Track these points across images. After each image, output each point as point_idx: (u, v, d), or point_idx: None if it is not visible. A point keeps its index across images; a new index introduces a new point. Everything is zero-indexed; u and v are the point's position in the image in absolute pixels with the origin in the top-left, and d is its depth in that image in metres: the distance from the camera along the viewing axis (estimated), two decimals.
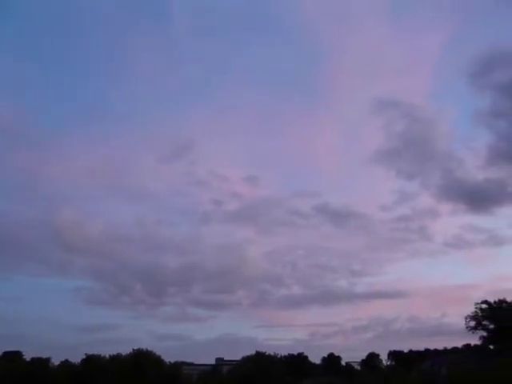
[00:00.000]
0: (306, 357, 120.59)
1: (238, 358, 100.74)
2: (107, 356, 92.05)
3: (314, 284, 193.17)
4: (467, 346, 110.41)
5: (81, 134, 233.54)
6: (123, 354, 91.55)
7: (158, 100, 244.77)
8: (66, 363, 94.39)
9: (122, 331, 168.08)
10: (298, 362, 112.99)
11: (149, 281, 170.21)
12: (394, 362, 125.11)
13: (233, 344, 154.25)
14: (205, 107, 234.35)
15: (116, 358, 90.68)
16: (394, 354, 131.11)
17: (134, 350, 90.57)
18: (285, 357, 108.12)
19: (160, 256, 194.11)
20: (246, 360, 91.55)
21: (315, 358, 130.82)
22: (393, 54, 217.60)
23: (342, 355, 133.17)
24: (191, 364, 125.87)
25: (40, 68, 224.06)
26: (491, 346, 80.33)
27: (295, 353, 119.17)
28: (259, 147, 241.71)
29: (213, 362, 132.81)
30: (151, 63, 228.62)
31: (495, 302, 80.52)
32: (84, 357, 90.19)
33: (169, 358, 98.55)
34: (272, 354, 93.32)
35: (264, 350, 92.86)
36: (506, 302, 79.95)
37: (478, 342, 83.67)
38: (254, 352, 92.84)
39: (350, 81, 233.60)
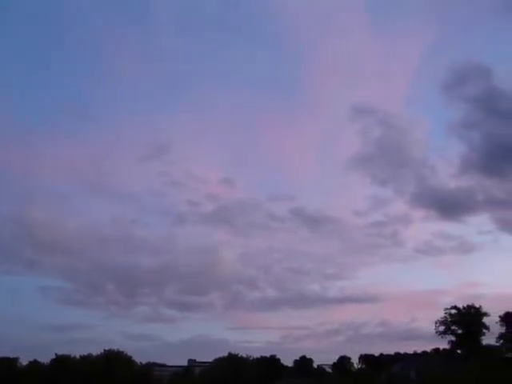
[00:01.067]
0: (278, 359, 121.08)
1: (211, 359, 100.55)
2: (77, 356, 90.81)
3: (287, 287, 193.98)
4: (436, 350, 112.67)
5: (58, 132, 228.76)
6: (94, 354, 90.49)
7: (137, 100, 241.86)
8: (34, 363, 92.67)
9: (94, 331, 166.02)
10: (270, 364, 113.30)
11: (122, 281, 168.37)
12: (364, 366, 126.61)
13: (205, 346, 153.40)
14: (183, 108, 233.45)
15: (86, 358, 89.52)
16: (365, 358, 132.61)
17: (105, 350, 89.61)
18: (257, 359, 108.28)
19: (134, 256, 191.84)
20: (219, 362, 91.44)
21: (287, 361, 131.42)
22: (372, 61, 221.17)
23: (313, 358, 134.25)
24: (163, 365, 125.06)
25: (19, 66, 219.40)
26: (459, 351, 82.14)
27: (268, 355, 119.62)
28: (237, 149, 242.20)
29: (185, 363, 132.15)
30: (131, 63, 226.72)
31: (464, 308, 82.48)
32: (54, 357, 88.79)
33: (141, 358, 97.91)
34: (244, 356, 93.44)
35: (236, 352, 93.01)
36: (475, 308, 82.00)
37: (447, 346, 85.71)
38: (226, 354, 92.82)
39: (328, 86, 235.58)
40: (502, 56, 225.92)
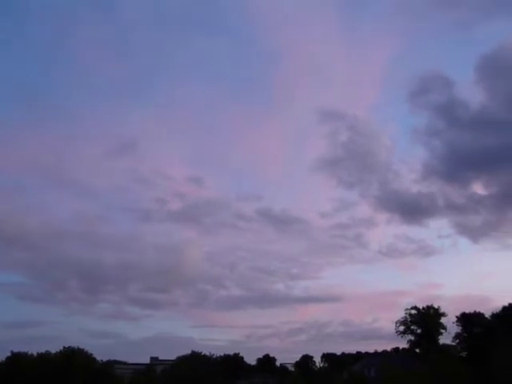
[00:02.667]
0: (242, 358, 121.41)
1: (174, 357, 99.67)
2: (35, 354, 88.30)
3: (252, 286, 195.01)
4: (396, 349, 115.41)
5: (23, 124, 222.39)
6: (53, 351, 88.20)
7: (104, 94, 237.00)
8: None
9: (54, 328, 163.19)
10: (233, 362, 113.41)
11: (84, 277, 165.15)
12: (327, 364, 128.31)
13: (169, 343, 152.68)
14: (152, 104, 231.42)
15: (44, 356, 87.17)
16: (327, 356, 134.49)
17: (64, 347, 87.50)
18: (220, 357, 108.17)
19: (98, 252, 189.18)
20: (181, 360, 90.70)
21: (251, 359, 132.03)
22: (342, 65, 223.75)
23: (277, 357, 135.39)
24: (124, 363, 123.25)
25: None
26: (417, 350, 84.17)
27: (231, 353, 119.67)
28: (205, 148, 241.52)
29: (147, 361, 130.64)
30: (99, 56, 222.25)
31: (423, 308, 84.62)
32: (9, 354, 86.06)
33: (102, 356, 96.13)
34: (208, 354, 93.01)
35: (200, 350, 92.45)
36: (433, 308, 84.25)
37: (406, 346, 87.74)
38: (189, 352, 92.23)
39: (298, 88, 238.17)
40: (464, 67, 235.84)
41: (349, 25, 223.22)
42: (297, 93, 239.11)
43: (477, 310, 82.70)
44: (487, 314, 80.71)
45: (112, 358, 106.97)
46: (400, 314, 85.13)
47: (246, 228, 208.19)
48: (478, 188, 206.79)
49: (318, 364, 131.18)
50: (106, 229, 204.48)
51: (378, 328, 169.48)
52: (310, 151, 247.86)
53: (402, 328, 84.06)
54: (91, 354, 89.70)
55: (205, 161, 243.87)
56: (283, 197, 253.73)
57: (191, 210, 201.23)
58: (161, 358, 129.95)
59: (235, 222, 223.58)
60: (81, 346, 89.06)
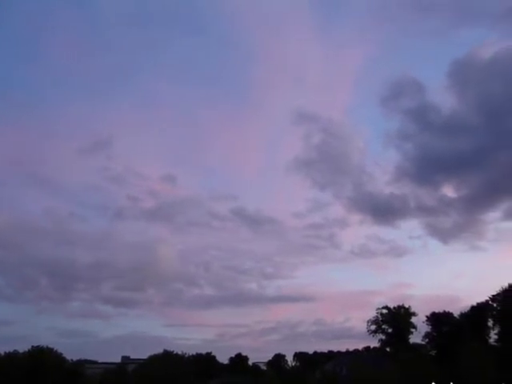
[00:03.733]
0: (214, 357, 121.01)
1: (146, 356, 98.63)
2: (2, 353, 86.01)
3: (226, 285, 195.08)
4: (367, 348, 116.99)
5: None
6: (21, 351, 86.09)
7: (78, 91, 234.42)
8: None
9: (23, 327, 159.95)
10: (205, 361, 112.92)
11: (56, 275, 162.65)
12: (299, 363, 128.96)
13: (141, 342, 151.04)
14: (126, 102, 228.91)
15: (12, 356, 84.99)
16: (299, 356, 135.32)
17: (32, 346, 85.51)
18: (193, 356, 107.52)
19: (70, 250, 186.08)
20: (153, 359, 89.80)
21: (223, 358, 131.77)
22: (317, 67, 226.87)
23: (249, 356, 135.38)
24: (95, 362, 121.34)
25: None
26: (388, 349, 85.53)
27: (203, 352, 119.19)
28: (180, 147, 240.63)
29: (119, 360, 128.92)
30: (73, 51, 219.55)
31: (394, 308, 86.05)
32: None
33: (72, 355, 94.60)
34: (180, 353, 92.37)
35: (172, 349, 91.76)
36: (404, 308, 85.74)
37: (377, 345, 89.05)
38: (162, 351, 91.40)
39: (275, 89, 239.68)
40: (436, 73, 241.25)
41: (325, 28, 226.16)
42: (272, 94, 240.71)
43: (446, 310, 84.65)
44: (456, 314, 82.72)
45: (83, 358, 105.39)
46: (371, 314, 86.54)
47: (220, 227, 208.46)
48: (448, 191, 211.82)
49: (290, 363, 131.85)
50: (78, 227, 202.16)
51: (349, 327, 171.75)
52: (284, 152, 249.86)
53: (373, 327, 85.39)
54: (61, 354, 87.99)
55: (179, 159, 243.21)
56: (257, 197, 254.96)
57: (165, 208, 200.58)
58: (132, 357, 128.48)
59: (209, 221, 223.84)
60: (50, 346, 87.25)
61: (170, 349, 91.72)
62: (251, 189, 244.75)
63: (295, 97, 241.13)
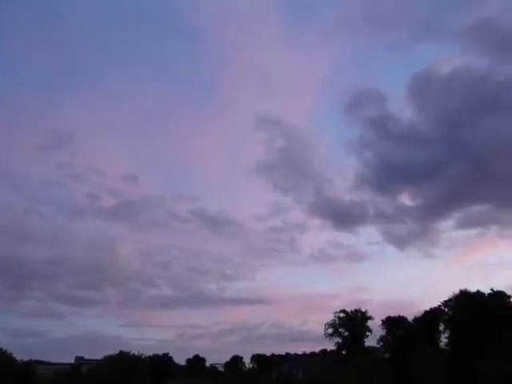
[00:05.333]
0: (171, 358, 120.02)
1: (101, 357, 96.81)
2: None
3: (185, 286, 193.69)
4: (324, 351, 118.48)
5: None
6: None
7: (39, 84, 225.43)
8: None
9: None
10: (162, 362, 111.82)
11: (8, 273, 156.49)
12: (256, 365, 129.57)
13: (96, 343, 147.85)
14: (89, 98, 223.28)
15: None
16: (256, 358, 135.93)
17: None
18: (149, 357, 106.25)
19: (25, 247, 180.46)
20: (108, 359, 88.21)
21: (180, 360, 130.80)
22: (282, 72, 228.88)
23: (207, 357, 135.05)
24: (47, 363, 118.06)
25: None
26: (344, 352, 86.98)
27: (161, 353, 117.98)
28: (142, 145, 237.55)
29: (72, 360, 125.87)
30: (35, 43, 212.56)
31: (351, 312, 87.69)
32: None
33: (24, 356, 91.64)
34: (136, 353, 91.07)
35: (129, 350, 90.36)
36: (361, 312, 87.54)
37: (334, 348, 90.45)
38: (117, 351, 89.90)
39: (239, 91, 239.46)
40: (397, 85, 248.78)
41: (293, 34, 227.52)
42: (238, 96, 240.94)
43: (401, 314, 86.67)
44: (410, 318, 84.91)
45: (34, 358, 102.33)
46: (329, 317, 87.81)
47: (181, 228, 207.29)
48: (405, 199, 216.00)
49: (247, 365, 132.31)
50: (34, 223, 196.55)
51: (307, 330, 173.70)
52: (247, 155, 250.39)
53: (330, 330, 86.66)
54: (10, 354, 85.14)
55: (141, 158, 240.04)
56: (219, 198, 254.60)
57: (125, 207, 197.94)
58: (87, 357, 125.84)
59: (170, 222, 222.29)
60: (0, 346, 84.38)
61: (126, 349, 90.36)
62: (213, 190, 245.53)
63: (260, 100, 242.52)
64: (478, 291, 76.09)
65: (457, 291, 78.06)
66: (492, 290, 74.65)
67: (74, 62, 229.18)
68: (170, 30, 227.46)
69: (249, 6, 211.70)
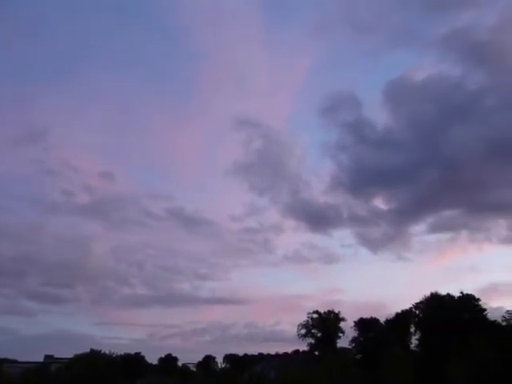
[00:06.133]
0: (143, 357, 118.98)
1: (71, 355, 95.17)
2: None
3: (158, 285, 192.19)
4: (296, 351, 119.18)
5: None
6: None
7: (13, 78, 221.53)
8: None
9: None
10: (134, 361, 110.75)
11: None
12: (229, 365, 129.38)
13: (67, 341, 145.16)
14: (65, 92, 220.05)
15: None
16: (229, 357, 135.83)
17: None
18: (121, 356, 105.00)
19: None
20: (78, 358, 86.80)
21: (152, 359, 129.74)
22: (262, 73, 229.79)
23: (179, 356, 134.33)
24: (15, 361, 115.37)
25: None
26: (316, 352, 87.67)
27: (133, 352, 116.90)
28: (119, 142, 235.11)
29: (41, 359, 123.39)
30: (11, 36, 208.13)
31: (325, 313, 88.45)
32: None
33: None
34: (108, 352, 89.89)
35: (100, 349, 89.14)
36: (334, 313, 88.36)
37: (306, 349, 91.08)
38: (88, 350, 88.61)
39: (218, 91, 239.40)
40: (373, 90, 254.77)
41: (273, 36, 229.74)
42: (217, 96, 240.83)
43: (373, 316, 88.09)
44: (382, 320, 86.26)
45: (1, 356, 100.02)
46: (302, 318, 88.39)
47: (156, 226, 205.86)
48: (379, 203, 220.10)
49: (219, 364, 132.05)
50: (4, 218, 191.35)
51: (280, 330, 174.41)
52: (225, 155, 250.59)
53: (303, 331, 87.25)
54: None
55: (117, 155, 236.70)
56: (195, 198, 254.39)
57: (100, 204, 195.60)
58: (57, 356, 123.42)
59: (145, 220, 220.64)
60: None
61: (97, 348, 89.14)
62: (190, 190, 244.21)
63: (238, 101, 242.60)
64: (448, 294, 77.93)
65: (428, 294, 79.79)
66: (462, 293, 76.61)
67: (50, 55, 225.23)
68: (149, 27, 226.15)
69: (229, 7, 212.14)
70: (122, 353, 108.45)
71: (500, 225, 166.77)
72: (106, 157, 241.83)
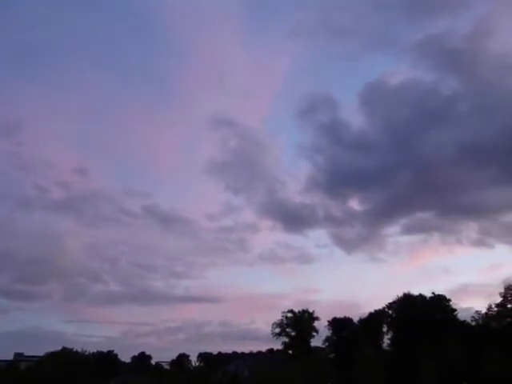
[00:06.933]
0: (116, 355, 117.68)
1: (42, 353, 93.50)
2: None
3: (132, 282, 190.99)
4: (270, 350, 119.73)
5: None
6: None
7: None
8: None
9: None
10: (107, 360, 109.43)
11: None
12: (203, 364, 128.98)
13: (38, 338, 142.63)
14: (40, 87, 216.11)
15: None
16: (203, 356, 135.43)
17: None
18: (93, 354, 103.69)
19: None
20: (50, 356, 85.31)
21: (126, 357, 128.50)
22: (240, 74, 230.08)
23: (153, 355, 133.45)
24: None
25: None
26: (290, 351, 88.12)
27: (106, 350, 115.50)
28: (95, 138, 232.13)
29: (11, 357, 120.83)
30: None
31: (299, 312, 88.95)
32: None
33: None
34: (80, 350, 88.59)
35: (72, 346, 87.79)
36: (308, 312, 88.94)
37: (280, 347, 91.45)
38: (60, 348, 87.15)
39: (197, 90, 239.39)
40: (349, 93, 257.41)
41: (253, 37, 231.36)
42: (195, 94, 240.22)
43: (347, 316, 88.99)
44: (355, 319, 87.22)
45: None
46: (277, 317, 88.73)
47: (131, 223, 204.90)
48: (354, 204, 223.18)
49: (193, 363, 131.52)
50: None
51: (255, 329, 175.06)
52: (201, 154, 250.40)
53: (277, 330, 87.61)
54: None
55: (93, 151, 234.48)
56: (172, 196, 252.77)
57: (74, 200, 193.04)
58: (27, 353, 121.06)
59: (120, 217, 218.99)
60: None
61: (69, 346, 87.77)
62: (166, 187, 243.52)
63: (217, 100, 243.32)
64: (420, 295, 79.38)
65: (401, 294, 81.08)
66: (433, 293, 78.14)
67: (22, 48, 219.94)
68: (130, 22, 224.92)
69: (211, 7, 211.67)
70: (95, 351, 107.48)
71: (471, 228, 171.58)
72: (81, 152, 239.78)
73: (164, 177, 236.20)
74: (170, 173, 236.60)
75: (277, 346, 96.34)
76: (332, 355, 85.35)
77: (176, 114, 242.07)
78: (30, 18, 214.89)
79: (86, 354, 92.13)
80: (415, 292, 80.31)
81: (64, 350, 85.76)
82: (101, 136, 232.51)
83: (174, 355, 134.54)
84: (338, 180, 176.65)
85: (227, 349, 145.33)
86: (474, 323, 73.26)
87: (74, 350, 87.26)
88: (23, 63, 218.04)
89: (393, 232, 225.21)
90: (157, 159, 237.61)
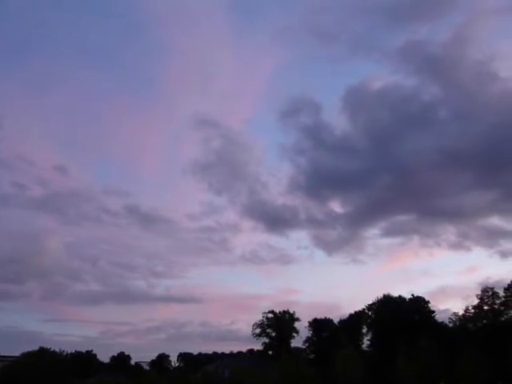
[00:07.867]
0: (95, 355, 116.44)
1: (18, 353, 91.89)
2: None
3: (112, 282, 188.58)
4: (251, 350, 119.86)
5: None
6: None
7: None
8: None
9: None
10: (85, 360, 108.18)
11: None
12: (183, 364, 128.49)
13: (14, 338, 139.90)
14: (21, 82, 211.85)
15: None
16: (183, 356, 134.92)
17: None
18: (71, 354, 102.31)
19: None
20: (25, 356, 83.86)
21: (105, 357, 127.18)
22: (225, 74, 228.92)
23: (132, 355, 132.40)
24: None
25: None
26: (270, 352, 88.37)
27: (84, 350, 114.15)
28: (76, 135, 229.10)
29: None
30: None
31: (280, 313, 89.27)
32: None
33: None
34: (58, 350, 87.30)
35: (50, 346, 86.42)
36: (289, 313, 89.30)
37: (261, 348, 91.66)
38: (37, 347, 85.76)
39: (180, 89, 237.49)
40: (331, 96, 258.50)
41: (237, 38, 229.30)
42: (178, 94, 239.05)
43: (327, 317, 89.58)
44: (336, 320, 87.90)
45: None
46: (257, 317, 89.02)
47: (112, 222, 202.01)
48: (335, 206, 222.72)
49: (173, 363, 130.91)
50: None
51: (235, 330, 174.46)
52: (183, 154, 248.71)
53: (258, 330, 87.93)
54: None
55: (74, 149, 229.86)
56: (153, 195, 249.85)
57: (54, 198, 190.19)
58: (3, 353, 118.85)
59: (100, 216, 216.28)
60: None
61: (46, 346, 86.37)
62: (147, 187, 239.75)
63: (200, 100, 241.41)
64: (399, 296, 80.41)
65: (380, 296, 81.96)
66: (412, 295, 79.24)
67: (3, 43, 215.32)
68: (113, 22, 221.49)
69: (197, 7, 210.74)
70: (73, 351, 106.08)
71: (449, 231, 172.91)
72: (61, 150, 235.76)
73: (146, 176, 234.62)
74: (152, 172, 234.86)
75: (257, 346, 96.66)
76: (312, 356, 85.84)
77: (159, 113, 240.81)
78: (11, 15, 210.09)
79: (64, 354, 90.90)
80: (395, 293, 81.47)
81: (41, 350, 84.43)
82: (82, 134, 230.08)
83: (153, 355, 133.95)
84: (320, 182, 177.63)
85: (207, 349, 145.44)
86: (451, 324, 74.48)
87: (52, 349, 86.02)
88: (3, 60, 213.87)
89: (373, 234, 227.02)
90: (139, 158, 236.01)
